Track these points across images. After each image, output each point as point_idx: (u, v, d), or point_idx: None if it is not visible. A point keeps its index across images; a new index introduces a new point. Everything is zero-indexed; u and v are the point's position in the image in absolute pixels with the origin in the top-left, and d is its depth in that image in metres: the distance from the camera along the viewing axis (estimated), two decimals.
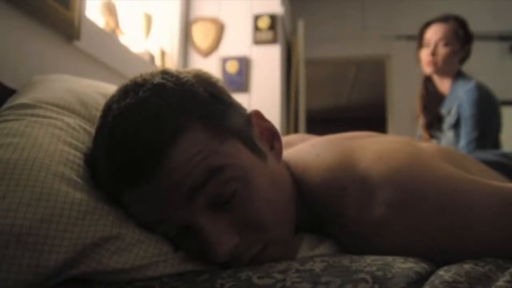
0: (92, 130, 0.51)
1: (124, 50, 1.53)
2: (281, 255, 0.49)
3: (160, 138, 0.44)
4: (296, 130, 2.75)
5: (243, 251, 0.47)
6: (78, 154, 0.51)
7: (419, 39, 1.81)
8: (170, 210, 0.45)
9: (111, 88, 0.68)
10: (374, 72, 4.61)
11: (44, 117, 0.54)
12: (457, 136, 1.71)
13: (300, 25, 2.86)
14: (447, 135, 1.77)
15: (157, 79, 0.48)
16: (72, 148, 0.51)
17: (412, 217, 0.48)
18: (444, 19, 1.77)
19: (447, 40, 1.73)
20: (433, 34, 1.75)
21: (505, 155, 1.02)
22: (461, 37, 1.74)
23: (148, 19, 1.96)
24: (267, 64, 2.36)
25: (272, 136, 0.56)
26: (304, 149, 0.62)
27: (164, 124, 0.44)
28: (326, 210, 0.55)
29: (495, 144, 1.71)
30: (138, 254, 0.45)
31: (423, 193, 0.49)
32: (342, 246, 0.56)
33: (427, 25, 1.80)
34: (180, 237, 0.48)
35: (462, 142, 1.66)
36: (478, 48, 3.38)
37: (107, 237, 0.44)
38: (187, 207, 0.45)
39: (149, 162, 0.43)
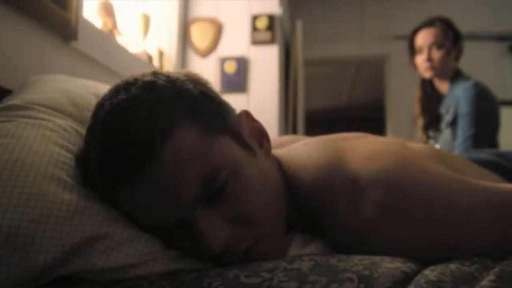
0: (84, 131, 0.52)
1: (122, 51, 1.53)
2: (273, 252, 0.50)
3: (152, 132, 0.44)
4: (294, 131, 2.75)
5: (236, 244, 0.48)
6: (69, 155, 0.51)
7: (410, 47, 1.84)
8: (162, 206, 0.45)
9: (105, 88, 0.68)
10: (373, 72, 4.61)
11: (36, 118, 0.54)
12: (454, 134, 1.73)
13: (299, 25, 2.86)
14: (444, 134, 1.78)
15: (148, 78, 0.49)
16: (63, 150, 0.51)
17: (402, 216, 0.49)
18: (430, 23, 1.79)
19: (439, 43, 1.75)
20: (424, 40, 1.77)
21: (501, 155, 1.03)
22: (451, 37, 1.76)
23: (146, 19, 1.96)
24: (265, 64, 2.36)
25: (261, 135, 0.58)
26: (296, 149, 0.63)
27: (156, 119, 0.45)
28: (317, 209, 0.56)
29: (493, 143, 1.71)
30: (128, 253, 0.46)
31: (413, 193, 0.50)
32: (334, 246, 0.56)
33: (415, 32, 1.82)
34: (172, 234, 0.48)
35: (459, 139, 1.67)
36: (477, 48, 3.41)
37: (95, 236, 0.45)
38: (180, 202, 0.45)
39: (141, 157, 0.44)
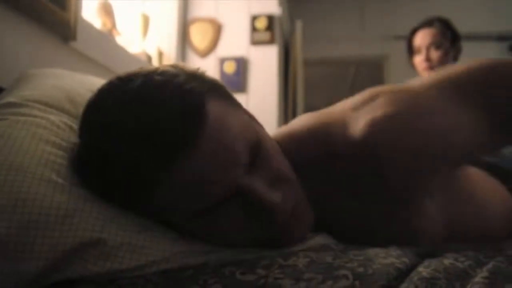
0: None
1: (121, 51, 1.53)
2: (308, 215, 0.53)
3: (189, 106, 0.42)
4: None
5: (284, 204, 0.48)
6: (60, 153, 0.49)
7: (408, 47, 1.86)
8: (217, 175, 0.43)
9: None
10: (373, 72, 4.61)
11: (28, 115, 0.52)
12: None
13: (298, 25, 2.86)
14: None
15: (148, 68, 0.47)
16: (55, 148, 0.49)
17: (401, 125, 0.53)
18: (428, 23, 1.81)
19: (437, 43, 1.77)
20: (422, 40, 1.79)
21: (498, 154, 1.03)
22: (449, 37, 1.77)
23: (146, 20, 1.97)
24: (265, 64, 2.37)
25: (253, 119, 0.59)
26: (284, 128, 0.66)
27: (186, 94, 0.43)
28: (315, 165, 0.57)
29: None
30: (124, 257, 0.45)
31: (412, 109, 0.55)
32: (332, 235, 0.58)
33: (413, 32, 1.84)
34: (216, 213, 0.46)
35: None
36: (477, 48, 3.41)
37: (87, 242, 0.43)
38: (236, 167, 0.44)
39: (190, 130, 0.41)
